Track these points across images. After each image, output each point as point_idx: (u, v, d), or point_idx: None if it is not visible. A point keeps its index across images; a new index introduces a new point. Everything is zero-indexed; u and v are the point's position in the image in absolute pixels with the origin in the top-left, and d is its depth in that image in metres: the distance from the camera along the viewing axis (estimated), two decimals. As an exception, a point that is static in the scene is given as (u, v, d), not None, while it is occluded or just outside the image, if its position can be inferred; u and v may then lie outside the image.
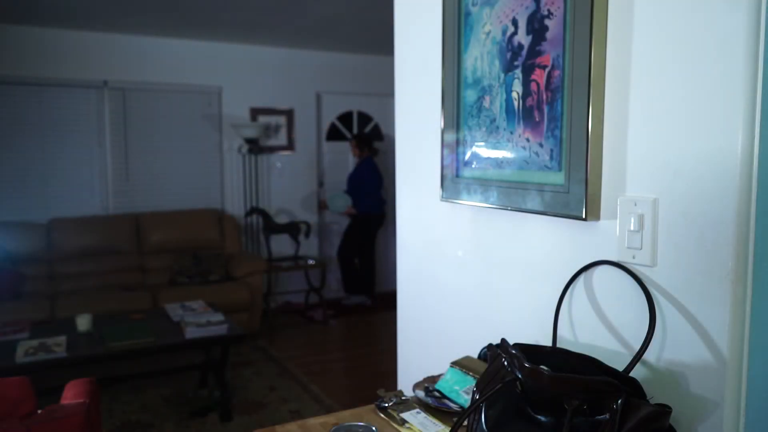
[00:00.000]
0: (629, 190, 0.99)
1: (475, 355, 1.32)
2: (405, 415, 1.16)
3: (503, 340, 0.92)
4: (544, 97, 1.11)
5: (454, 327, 1.47)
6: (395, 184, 1.71)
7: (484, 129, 1.28)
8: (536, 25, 1.12)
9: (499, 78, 1.22)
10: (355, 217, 5.69)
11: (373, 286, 5.94)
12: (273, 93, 5.69)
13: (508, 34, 1.19)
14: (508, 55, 1.19)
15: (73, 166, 4.93)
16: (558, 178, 1.09)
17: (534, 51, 1.13)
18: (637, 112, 0.97)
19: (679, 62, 0.90)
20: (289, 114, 5.77)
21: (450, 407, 1.18)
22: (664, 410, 0.79)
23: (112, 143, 5.05)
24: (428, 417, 1.15)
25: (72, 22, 4.57)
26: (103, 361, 3.23)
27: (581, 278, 1.09)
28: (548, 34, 1.09)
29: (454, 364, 1.26)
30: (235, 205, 5.57)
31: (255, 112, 5.62)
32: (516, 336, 1.23)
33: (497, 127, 1.23)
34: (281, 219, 5.72)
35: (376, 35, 4.81)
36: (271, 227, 5.34)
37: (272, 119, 5.70)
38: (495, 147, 1.25)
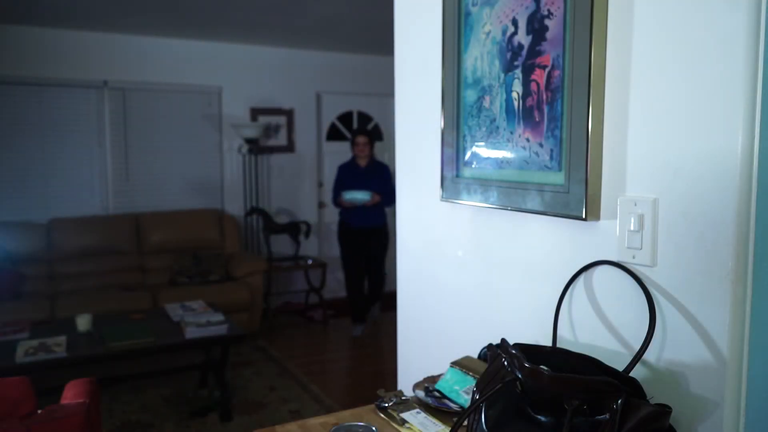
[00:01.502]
0: (629, 190, 0.99)
1: (475, 355, 1.32)
2: (405, 415, 1.16)
3: (503, 340, 0.92)
4: (544, 97, 1.11)
5: (454, 327, 1.47)
6: (395, 184, 1.71)
7: (484, 129, 1.28)
8: (536, 25, 1.12)
9: (499, 78, 1.22)
10: (381, 227, 5.04)
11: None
12: (273, 93, 5.69)
13: (508, 34, 1.19)
14: (508, 55, 1.19)
15: (73, 166, 4.93)
16: (558, 178, 1.09)
17: (534, 51, 1.13)
18: (637, 112, 0.97)
19: (679, 62, 0.90)
20: (289, 114, 5.78)
21: (450, 407, 1.18)
22: (664, 410, 0.79)
23: (112, 143, 5.05)
24: (428, 417, 1.15)
25: (72, 22, 4.57)
26: (103, 361, 3.23)
27: (581, 278, 1.09)
28: (548, 34, 1.09)
29: (454, 364, 1.26)
30: (235, 205, 5.57)
31: (255, 112, 5.62)
32: (516, 336, 1.23)
33: (497, 127, 1.23)
34: (281, 219, 5.72)
35: (376, 35, 4.81)
36: (271, 227, 5.34)
37: (272, 119, 5.70)
38: (495, 147, 1.25)
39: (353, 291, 5.08)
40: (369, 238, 4.99)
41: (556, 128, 1.09)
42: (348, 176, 4.94)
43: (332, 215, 6.08)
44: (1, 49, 4.62)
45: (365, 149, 4.88)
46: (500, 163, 1.24)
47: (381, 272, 5.24)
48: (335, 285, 6.04)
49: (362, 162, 4.93)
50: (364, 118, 6.20)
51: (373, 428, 1.09)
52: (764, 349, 0.85)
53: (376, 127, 6.26)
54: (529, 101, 1.15)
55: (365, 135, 4.92)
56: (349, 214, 4.92)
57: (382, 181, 4.87)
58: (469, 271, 1.40)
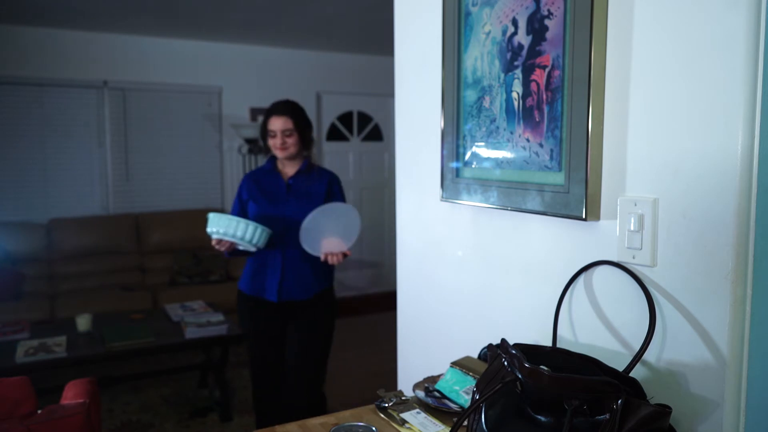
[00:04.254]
0: (629, 190, 0.99)
1: (475, 355, 1.32)
2: (405, 415, 1.16)
3: (503, 340, 0.92)
4: (544, 97, 1.11)
5: (454, 327, 1.47)
6: (395, 185, 1.71)
7: (484, 129, 1.28)
8: (536, 25, 1.12)
9: (499, 78, 1.22)
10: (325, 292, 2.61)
11: None
12: (273, 93, 5.68)
13: (508, 34, 1.19)
14: (508, 55, 1.19)
15: (73, 166, 4.93)
16: (558, 178, 1.09)
17: (534, 51, 1.13)
18: (637, 112, 0.97)
19: (679, 62, 0.90)
20: (289, 114, 5.77)
21: (450, 407, 1.18)
22: (664, 410, 0.79)
23: (112, 143, 5.05)
24: (428, 417, 1.15)
25: (72, 22, 4.57)
26: (103, 361, 3.23)
27: (581, 278, 1.09)
28: (548, 34, 1.09)
29: (454, 364, 1.26)
30: (235, 205, 5.56)
31: (255, 112, 5.62)
32: (516, 336, 1.23)
33: (497, 127, 1.24)
34: (281, 219, 5.71)
35: (376, 35, 4.81)
36: (271, 227, 5.33)
37: (272, 119, 5.69)
38: (495, 147, 1.25)
39: (256, 403, 2.72)
40: (283, 321, 2.54)
41: (556, 128, 1.09)
42: (256, 197, 2.49)
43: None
44: (1, 49, 4.62)
45: (287, 142, 2.45)
46: (500, 163, 1.24)
47: (300, 399, 2.59)
48: (335, 285, 6.04)
49: (288, 167, 2.54)
50: (364, 118, 6.20)
51: (373, 428, 1.09)
52: (764, 349, 0.85)
53: (376, 127, 6.24)
54: (529, 101, 1.15)
55: (285, 114, 2.47)
56: (245, 270, 2.56)
57: (301, 208, 2.41)
58: (469, 271, 1.40)
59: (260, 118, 5.59)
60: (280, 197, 2.48)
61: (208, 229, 2.28)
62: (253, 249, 2.34)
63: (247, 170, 5.48)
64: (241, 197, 2.55)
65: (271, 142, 2.48)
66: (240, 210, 2.53)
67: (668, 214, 0.93)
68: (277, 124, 2.46)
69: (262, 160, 5.60)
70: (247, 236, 2.25)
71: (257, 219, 2.42)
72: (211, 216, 2.26)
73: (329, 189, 2.52)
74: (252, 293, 2.50)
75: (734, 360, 0.85)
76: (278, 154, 2.48)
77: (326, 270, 2.60)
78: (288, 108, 2.52)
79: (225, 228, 2.24)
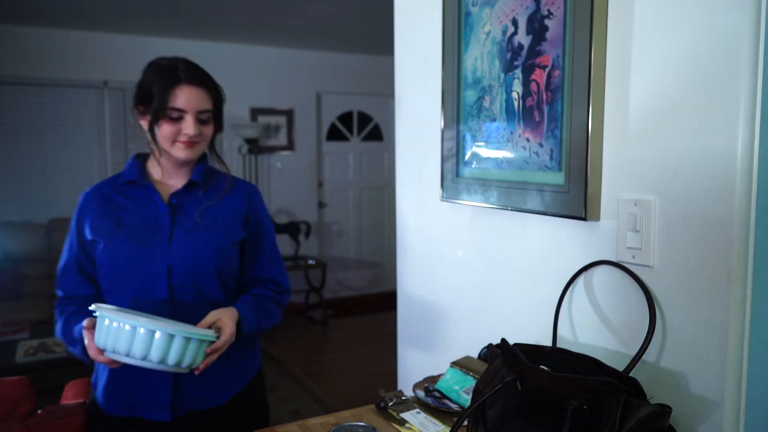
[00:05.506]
0: (629, 190, 0.99)
1: (475, 355, 1.32)
2: (405, 415, 1.16)
3: (503, 340, 0.92)
4: (544, 97, 1.11)
5: (454, 327, 1.47)
6: (395, 185, 1.71)
7: (484, 129, 1.28)
8: (536, 25, 1.12)
9: (499, 78, 1.22)
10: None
11: None
12: (273, 93, 5.69)
13: (508, 34, 1.19)
14: (508, 55, 1.19)
15: (73, 166, 4.93)
16: (558, 178, 1.09)
17: (534, 51, 1.13)
18: (637, 112, 0.97)
19: (679, 62, 0.90)
20: (289, 114, 5.77)
21: (450, 407, 1.18)
22: (664, 410, 0.79)
23: (112, 143, 5.05)
24: (428, 417, 1.15)
25: (72, 22, 4.57)
26: (103, 361, 3.22)
27: (581, 278, 1.09)
28: (548, 34, 1.09)
29: (454, 364, 1.26)
30: (235, 205, 5.56)
31: (255, 112, 5.62)
32: (516, 336, 1.23)
33: (497, 127, 1.24)
34: (281, 219, 5.72)
35: (376, 35, 4.81)
36: (271, 227, 5.31)
37: (272, 119, 5.70)
38: (495, 147, 1.25)
39: None
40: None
41: (556, 128, 1.09)
42: (107, 233, 1.38)
43: (333, 215, 6.06)
44: (1, 49, 4.62)
45: (202, 134, 1.34)
46: (500, 163, 1.24)
47: None
48: (335, 285, 6.04)
49: (173, 176, 1.40)
50: (364, 118, 6.20)
51: (373, 428, 1.09)
52: (764, 349, 0.85)
53: (376, 127, 6.24)
54: (529, 101, 1.15)
55: (201, 84, 1.32)
56: (98, 373, 1.42)
57: (251, 247, 1.45)
58: (469, 271, 1.40)
59: (260, 118, 5.59)
60: (157, 230, 1.36)
61: (97, 341, 1.15)
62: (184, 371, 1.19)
63: (247, 170, 5.48)
64: (81, 237, 1.45)
65: (167, 129, 1.31)
66: (80, 261, 1.49)
67: (668, 214, 0.93)
68: (187, 98, 1.30)
69: (263, 160, 5.60)
70: (186, 361, 1.14)
71: (112, 275, 1.37)
72: (100, 317, 1.14)
73: (247, 216, 1.44)
74: (119, 413, 1.36)
75: (734, 360, 0.85)
76: (180, 153, 1.34)
77: (250, 348, 1.47)
78: (204, 76, 1.35)
79: (135, 346, 1.10)
